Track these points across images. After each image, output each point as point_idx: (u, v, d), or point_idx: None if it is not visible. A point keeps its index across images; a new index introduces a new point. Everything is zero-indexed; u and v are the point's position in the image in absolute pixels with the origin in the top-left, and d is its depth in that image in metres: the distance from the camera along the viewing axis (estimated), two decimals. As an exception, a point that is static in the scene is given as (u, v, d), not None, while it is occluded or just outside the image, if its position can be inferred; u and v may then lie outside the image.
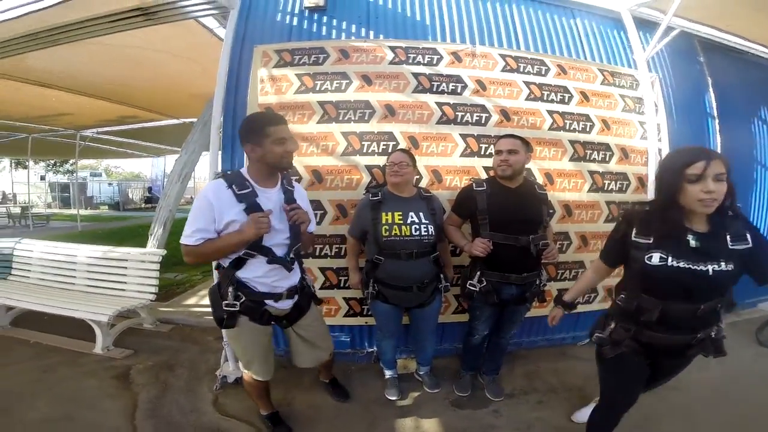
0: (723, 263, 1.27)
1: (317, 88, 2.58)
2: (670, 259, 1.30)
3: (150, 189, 19.33)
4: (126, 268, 3.25)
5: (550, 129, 2.75)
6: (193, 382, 2.52)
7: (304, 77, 2.58)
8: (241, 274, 1.60)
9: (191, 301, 4.07)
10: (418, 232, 2.02)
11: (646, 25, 3.03)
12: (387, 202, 2.07)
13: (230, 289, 1.58)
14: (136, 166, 29.65)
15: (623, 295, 1.48)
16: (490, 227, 1.97)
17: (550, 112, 2.76)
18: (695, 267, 1.28)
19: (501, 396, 2.35)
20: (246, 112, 2.54)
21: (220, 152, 2.44)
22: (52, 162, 19.31)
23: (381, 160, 2.51)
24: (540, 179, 2.67)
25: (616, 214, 2.88)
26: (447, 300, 2.65)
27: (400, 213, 2.04)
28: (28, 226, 10.05)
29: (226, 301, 1.59)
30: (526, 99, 2.74)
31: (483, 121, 2.67)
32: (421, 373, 2.52)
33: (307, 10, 2.71)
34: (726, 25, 3.18)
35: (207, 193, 1.52)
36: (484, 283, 2.03)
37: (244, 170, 1.63)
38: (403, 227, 2.01)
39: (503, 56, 2.76)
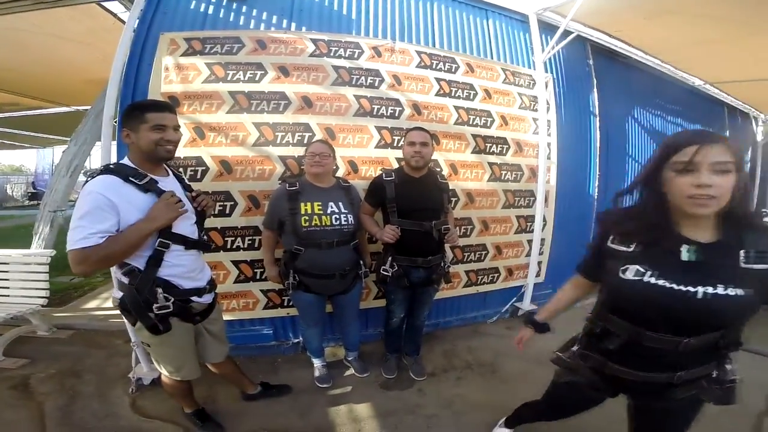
0: (724, 286, 0.93)
1: (228, 78, 2.50)
2: (648, 274, 1.00)
3: (34, 184, 16.76)
4: (7, 272, 2.89)
5: (455, 123, 2.97)
6: (104, 387, 2.36)
7: (215, 66, 2.48)
8: (163, 273, 1.47)
9: (92, 304, 3.73)
10: (338, 222, 2.07)
11: (548, 29, 3.34)
12: (305, 192, 2.08)
13: (158, 290, 1.46)
14: (17, 159, 25.51)
15: (591, 314, 1.23)
16: (398, 214, 2.11)
17: (457, 108, 2.98)
18: (679, 287, 0.96)
19: (423, 375, 2.50)
20: (147, 100, 2.39)
21: (113, 143, 2.27)
22: None
23: (296, 151, 2.53)
24: (445, 170, 2.89)
25: (512, 201, 3.23)
26: (368, 286, 2.76)
27: (320, 203, 2.06)
28: None
29: (158, 305, 1.45)
30: (436, 94, 2.92)
31: (396, 115, 2.80)
32: (349, 359, 2.60)
33: None
34: (615, 31, 3.60)
35: (101, 190, 1.31)
36: (396, 268, 2.16)
37: (126, 161, 1.47)
38: (324, 217, 2.04)
39: (419, 53, 2.89)
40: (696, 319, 0.98)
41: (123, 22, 2.95)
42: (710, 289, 0.94)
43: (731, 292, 0.93)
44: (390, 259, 2.17)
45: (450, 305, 3.18)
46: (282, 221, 2.10)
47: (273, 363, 2.64)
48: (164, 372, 1.73)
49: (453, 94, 2.98)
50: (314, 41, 2.64)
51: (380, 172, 2.24)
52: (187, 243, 1.54)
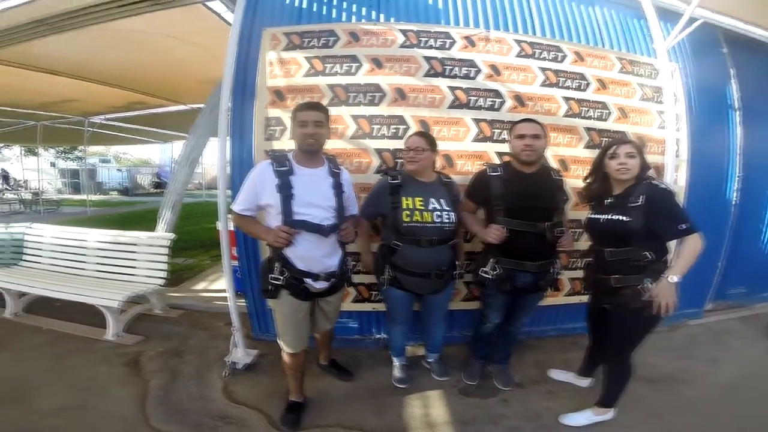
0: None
1: (326, 71, 2.54)
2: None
3: (158, 174, 19.60)
4: (136, 252, 3.21)
5: (565, 116, 2.71)
6: (202, 368, 2.50)
7: (314, 60, 2.54)
8: (287, 251, 1.76)
9: (200, 286, 4.04)
10: (440, 219, 1.96)
11: (666, 15, 2.94)
12: (407, 187, 2.00)
13: (277, 264, 1.77)
14: (145, 153, 29.76)
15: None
16: (506, 213, 1.93)
17: (566, 99, 2.72)
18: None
19: (511, 385, 2.32)
20: (254, 95, 2.52)
21: (228, 137, 2.40)
22: (62, 149, 19.45)
23: (391, 144, 2.50)
24: (554, 166, 2.61)
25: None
26: (456, 287, 2.60)
27: (422, 198, 1.97)
28: (39, 211, 10.18)
29: (272, 275, 1.77)
30: (542, 85, 2.69)
31: (496, 106, 2.62)
32: (429, 360, 2.49)
33: None
34: (750, 17, 3.05)
35: (255, 170, 1.77)
36: (498, 271, 1.99)
37: (291, 152, 1.84)
38: (425, 213, 1.95)
39: (518, 41, 2.71)
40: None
41: (225, 20, 3.18)
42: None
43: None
44: (493, 260, 1.99)
45: (547, 314, 2.89)
46: (380, 214, 2.06)
47: (354, 357, 2.62)
48: (278, 339, 1.98)
49: (561, 85, 2.72)
50: (404, 32, 2.60)
51: (484, 166, 2.07)
52: (306, 226, 1.73)
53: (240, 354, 2.46)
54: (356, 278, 2.54)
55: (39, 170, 14.42)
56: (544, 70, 2.71)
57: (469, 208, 2.12)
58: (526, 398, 2.24)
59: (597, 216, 1.82)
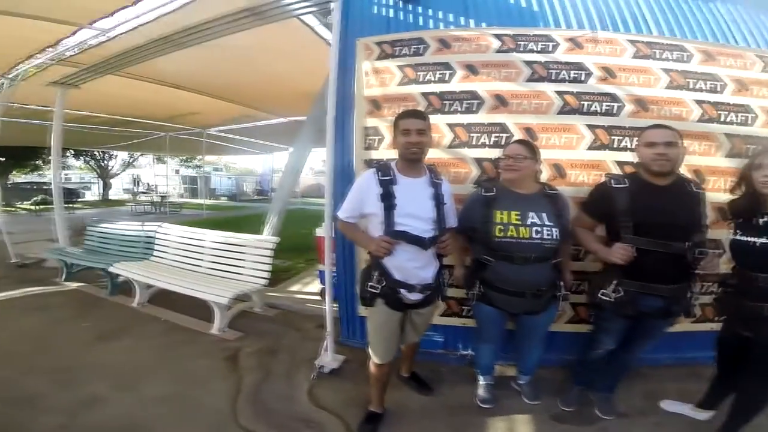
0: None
1: (420, 79, 2.54)
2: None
3: (260, 182, 21.70)
4: (244, 253, 3.46)
5: (699, 120, 2.38)
6: (292, 369, 2.57)
7: (406, 68, 2.56)
8: (386, 260, 1.76)
9: (296, 287, 4.24)
10: (539, 235, 1.78)
11: None
12: (502, 199, 1.87)
13: (375, 273, 1.78)
14: (249, 162, 33.17)
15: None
16: (634, 231, 1.71)
17: (699, 102, 2.39)
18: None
19: (612, 414, 2.08)
20: (353, 105, 2.60)
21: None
22: (184, 157, 22.60)
23: (492, 153, 2.39)
24: (689, 177, 2.29)
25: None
26: (561, 308, 2.37)
27: (518, 212, 1.82)
28: (165, 212, 11.95)
29: (370, 283, 1.79)
30: (667, 87, 2.40)
31: (614, 111, 2.39)
32: (520, 382, 2.31)
33: (401, 1, 2.71)
34: None
35: (360, 179, 1.84)
36: (621, 294, 1.77)
37: (394, 161, 1.85)
38: (522, 228, 1.79)
39: (632, 42, 2.48)
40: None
41: (318, 34, 3.35)
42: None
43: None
44: (614, 282, 1.78)
45: (666, 341, 2.45)
46: (473, 227, 1.94)
47: (436, 371, 2.52)
48: (368, 349, 1.98)
49: (691, 87, 2.41)
50: (498, 36, 2.51)
51: (606, 177, 1.88)
52: (406, 237, 1.71)
53: (328, 358, 2.51)
54: (449, 291, 2.45)
55: (167, 176, 17.21)
56: (667, 71, 2.42)
57: (585, 224, 1.93)
58: (627, 429, 2.01)
59: (749, 239, 1.60)
